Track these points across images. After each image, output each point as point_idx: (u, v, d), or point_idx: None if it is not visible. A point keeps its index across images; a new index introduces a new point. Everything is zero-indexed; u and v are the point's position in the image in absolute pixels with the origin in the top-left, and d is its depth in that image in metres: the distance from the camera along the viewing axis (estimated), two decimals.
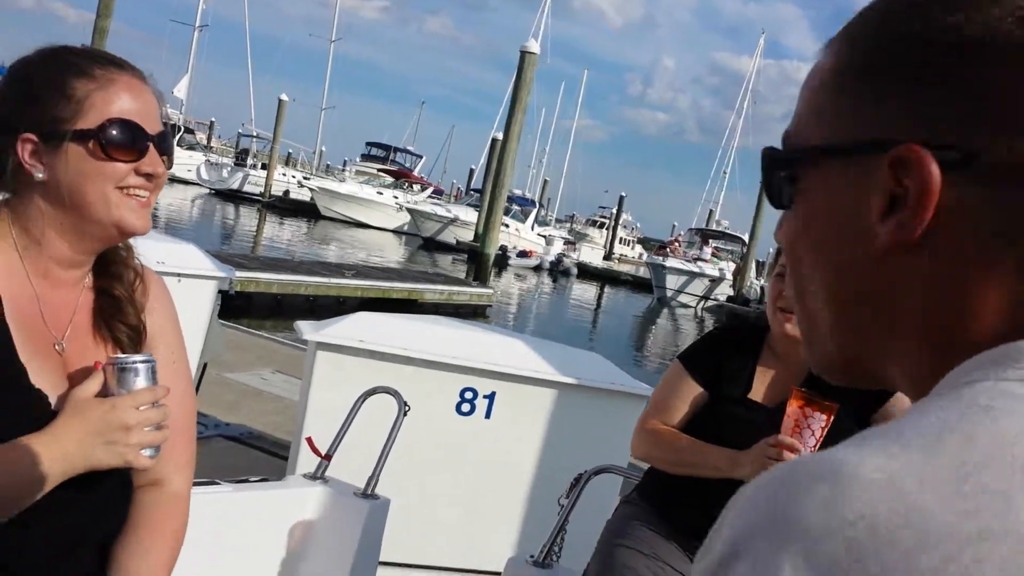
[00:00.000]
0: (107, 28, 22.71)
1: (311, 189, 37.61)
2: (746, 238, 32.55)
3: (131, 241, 1.28)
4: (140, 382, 1.13)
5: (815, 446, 1.74)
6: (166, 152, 1.19)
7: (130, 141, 1.13)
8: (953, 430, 0.36)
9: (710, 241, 36.55)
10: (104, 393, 1.12)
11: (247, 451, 4.61)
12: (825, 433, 1.74)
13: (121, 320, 1.23)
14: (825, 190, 0.50)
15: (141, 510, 1.24)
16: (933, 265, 0.45)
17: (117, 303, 1.23)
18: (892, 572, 0.32)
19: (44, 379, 1.12)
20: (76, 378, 1.14)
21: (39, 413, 1.09)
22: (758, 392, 1.95)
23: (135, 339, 1.24)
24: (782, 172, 0.53)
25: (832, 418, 1.74)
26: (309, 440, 2.39)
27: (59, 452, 1.06)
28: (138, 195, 1.15)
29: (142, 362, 1.14)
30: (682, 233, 41.77)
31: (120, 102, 1.13)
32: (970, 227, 0.44)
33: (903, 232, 0.45)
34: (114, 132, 1.12)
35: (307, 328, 3.10)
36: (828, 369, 0.54)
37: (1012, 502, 0.33)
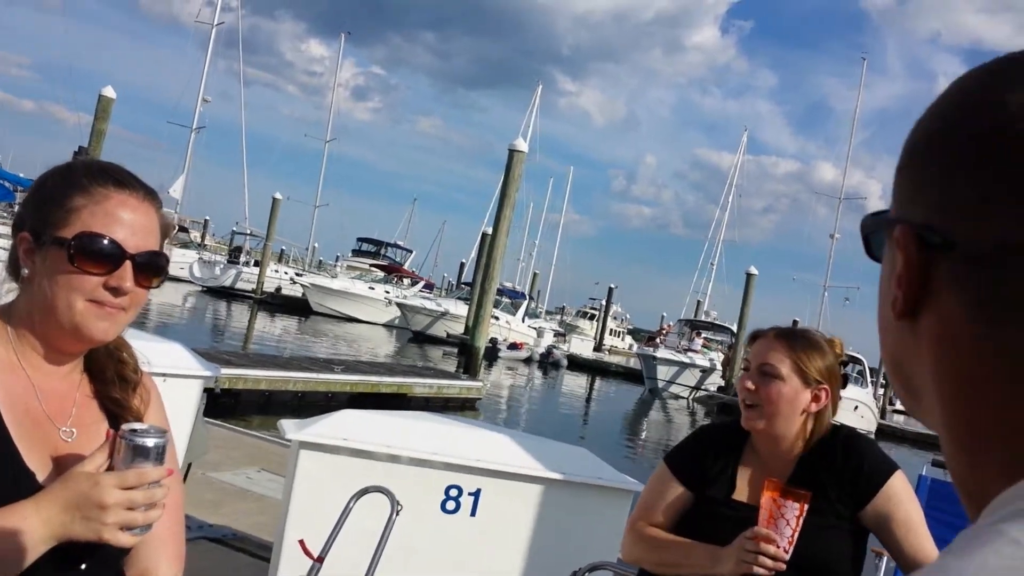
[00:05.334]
0: (104, 131, 23.23)
1: (303, 285, 37.82)
2: (735, 328, 32.69)
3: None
4: (143, 461, 1.11)
5: (792, 535, 1.74)
6: (153, 273, 1.21)
7: (101, 255, 1.16)
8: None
9: (700, 332, 36.63)
10: (111, 466, 1.12)
11: (230, 553, 4.50)
12: (801, 522, 1.75)
13: (117, 395, 1.26)
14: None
15: None
16: (929, 339, 0.48)
17: (110, 386, 1.27)
18: None
19: (39, 461, 1.15)
20: (83, 457, 1.14)
21: (26, 491, 1.11)
22: (742, 491, 1.95)
23: (135, 415, 1.26)
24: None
25: (806, 506, 1.75)
26: (302, 543, 2.37)
27: (40, 518, 1.07)
28: (109, 303, 1.18)
29: (152, 440, 1.13)
30: (671, 324, 41.85)
31: (105, 218, 1.18)
32: (958, 304, 0.47)
33: (900, 304, 0.50)
34: (85, 244, 1.16)
35: (290, 427, 3.09)
36: None
37: None
